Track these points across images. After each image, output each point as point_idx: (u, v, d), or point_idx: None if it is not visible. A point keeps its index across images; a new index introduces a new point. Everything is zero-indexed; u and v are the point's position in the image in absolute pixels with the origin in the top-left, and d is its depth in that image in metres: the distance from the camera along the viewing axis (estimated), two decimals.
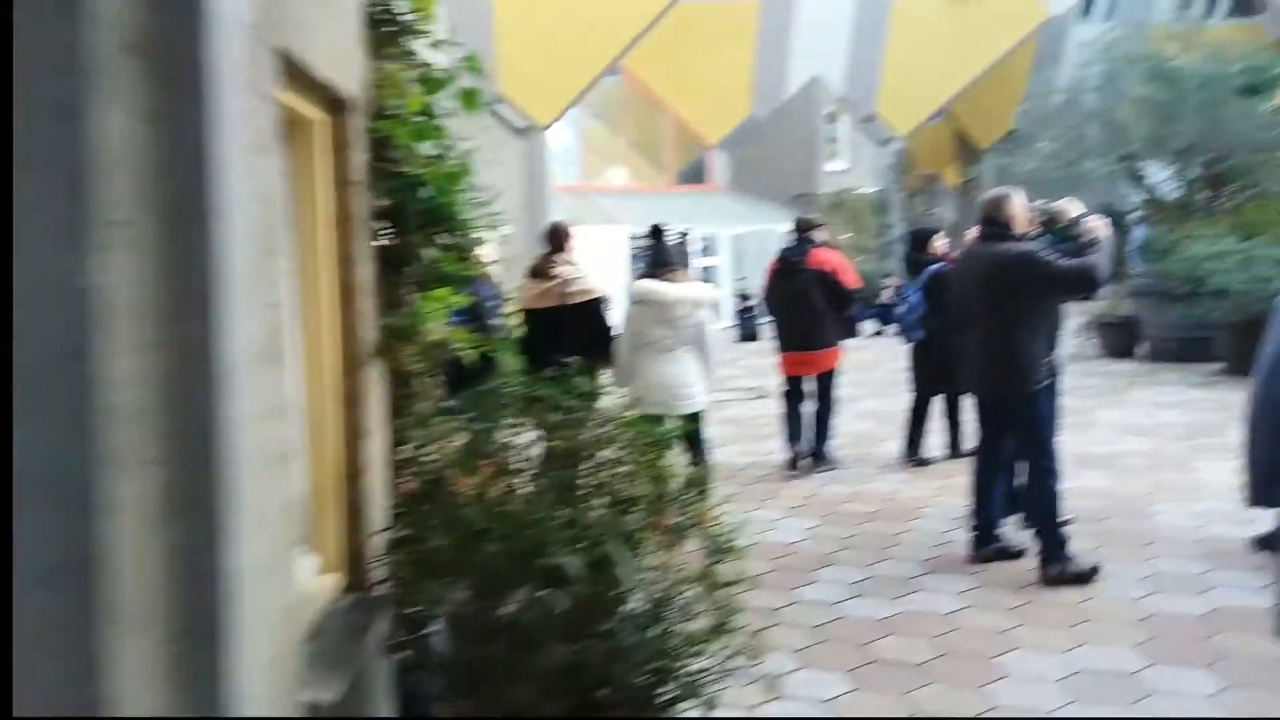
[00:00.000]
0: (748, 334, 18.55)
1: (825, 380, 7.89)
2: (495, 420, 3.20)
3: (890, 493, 7.33)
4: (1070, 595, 5.13)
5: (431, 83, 3.54)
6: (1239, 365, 9.76)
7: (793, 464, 7.91)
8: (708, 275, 21.43)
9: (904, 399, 8.40)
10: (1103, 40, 18.67)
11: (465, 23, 18.22)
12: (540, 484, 3.06)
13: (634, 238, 18.20)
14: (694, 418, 6.23)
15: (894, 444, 8.44)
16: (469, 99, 3.71)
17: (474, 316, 4.93)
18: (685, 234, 20.50)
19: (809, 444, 7.95)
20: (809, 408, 8.01)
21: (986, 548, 5.64)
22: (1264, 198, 13.96)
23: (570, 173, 22.53)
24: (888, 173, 23.95)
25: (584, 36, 18.10)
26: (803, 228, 8.04)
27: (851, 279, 7.85)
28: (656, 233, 6.49)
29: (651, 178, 23.48)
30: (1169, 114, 14.98)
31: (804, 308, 7.68)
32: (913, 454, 8.08)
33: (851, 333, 8.27)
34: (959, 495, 6.31)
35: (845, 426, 8.75)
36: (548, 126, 19.14)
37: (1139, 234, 15.55)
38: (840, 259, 7.92)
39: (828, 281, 7.64)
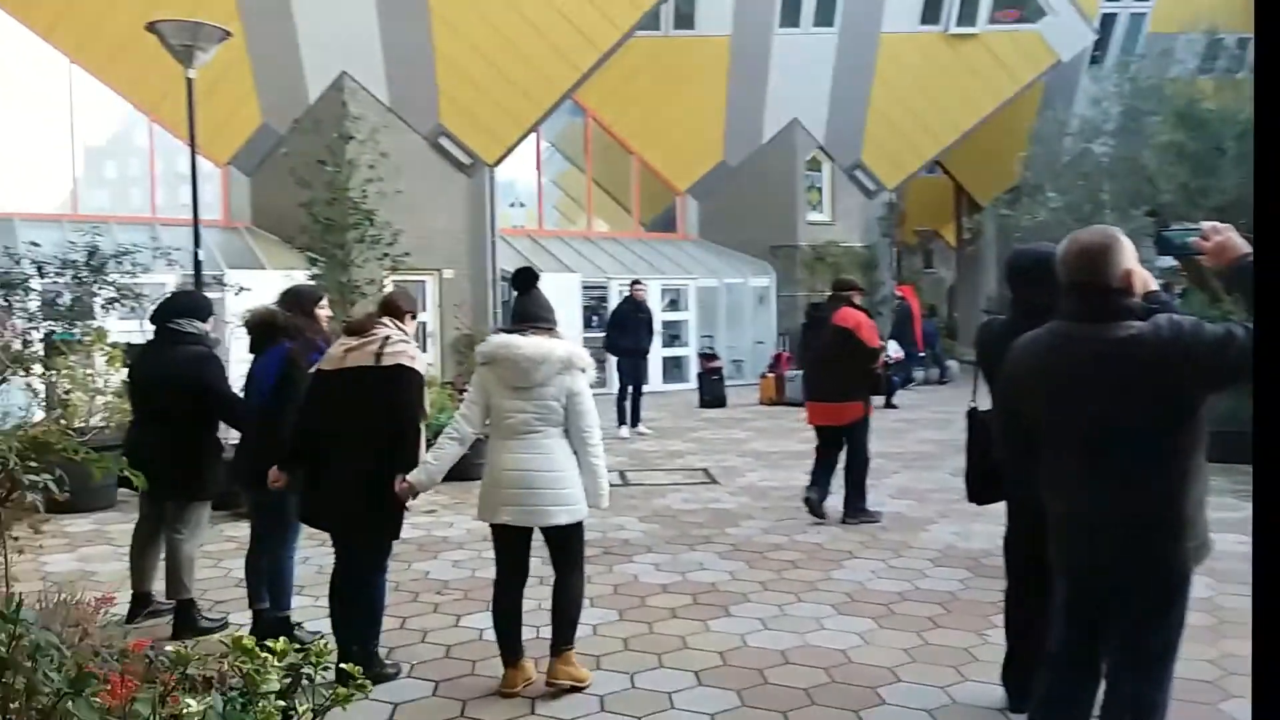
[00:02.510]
0: (713, 398, 16.59)
1: (851, 433, 7.99)
2: None
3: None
4: None
5: None
6: None
7: (813, 509, 7.95)
8: (675, 331, 19.61)
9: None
10: (1120, 76, 16.68)
11: (404, 52, 16.82)
12: None
13: (504, 279, 16.37)
14: (564, 533, 4.45)
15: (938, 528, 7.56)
16: None
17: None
18: (602, 290, 18.65)
19: (820, 492, 8.00)
20: (840, 459, 8.09)
21: None
22: None
23: (528, 215, 20.84)
24: (876, 226, 22.17)
25: (532, 69, 16.53)
26: (840, 287, 8.36)
27: (873, 337, 8.06)
28: (525, 278, 4.68)
29: (619, 224, 21.74)
30: (1204, 165, 13.15)
31: (826, 361, 8.07)
32: None
33: (878, 390, 8.65)
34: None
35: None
36: (495, 164, 17.45)
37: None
38: (865, 318, 8.08)
39: (850, 337, 7.87)
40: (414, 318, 4.89)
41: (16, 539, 3.91)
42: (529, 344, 4.35)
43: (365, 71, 15.95)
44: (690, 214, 21.98)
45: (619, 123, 20.93)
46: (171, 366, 5.33)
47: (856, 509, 7.88)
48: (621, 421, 13.15)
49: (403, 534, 4.71)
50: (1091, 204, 20.81)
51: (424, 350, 13.71)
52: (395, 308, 4.76)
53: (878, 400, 15.88)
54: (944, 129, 21.77)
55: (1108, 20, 22.46)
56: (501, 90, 16.67)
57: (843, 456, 8.04)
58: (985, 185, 25.74)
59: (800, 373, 16.19)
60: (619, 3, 16.32)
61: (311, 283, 5.66)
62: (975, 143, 22.79)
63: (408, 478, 4.40)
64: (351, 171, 12.23)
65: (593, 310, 18.45)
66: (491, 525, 4.49)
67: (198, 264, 9.42)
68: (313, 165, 12.42)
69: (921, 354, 20.08)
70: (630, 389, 13.36)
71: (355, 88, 15.91)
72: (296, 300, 5.34)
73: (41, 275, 9.34)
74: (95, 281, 9.57)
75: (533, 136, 19.63)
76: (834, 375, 7.91)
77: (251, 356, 5.18)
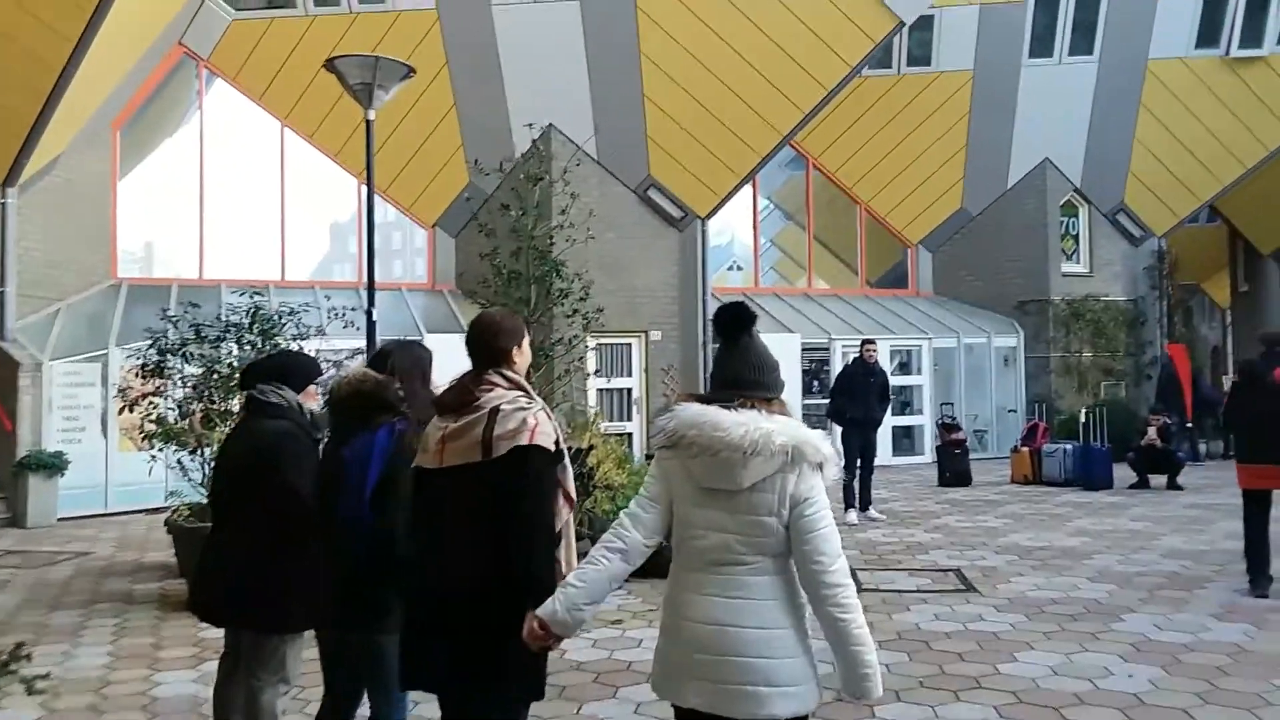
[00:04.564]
0: (955, 475, 14.36)
1: None
2: None
3: None
4: None
5: None
6: None
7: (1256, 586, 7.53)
8: (906, 398, 17.51)
9: None
10: None
11: (614, 104, 15.88)
12: None
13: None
14: None
15: None
16: None
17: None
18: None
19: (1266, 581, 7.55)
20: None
21: None
22: None
23: (744, 278, 19.36)
24: (1143, 278, 19.32)
25: (748, 113, 15.16)
26: (1272, 342, 8.07)
27: None
28: (734, 320, 3.01)
29: (842, 281, 19.92)
30: None
31: (1271, 420, 7.56)
32: None
33: None
34: None
35: None
36: (708, 216, 16.15)
37: None
38: None
39: None
40: (520, 350, 3.20)
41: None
42: (735, 422, 2.74)
43: (573, 124, 15.06)
44: (924, 268, 19.87)
45: (844, 170, 19.22)
46: (245, 447, 4.06)
47: None
48: (849, 505, 11.32)
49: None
50: None
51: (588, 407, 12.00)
52: (486, 345, 3.15)
53: (1158, 480, 13.49)
54: (1224, 167, 18.77)
55: None
56: (716, 138, 15.40)
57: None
58: (1267, 231, 22.27)
59: (1069, 445, 14.19)
60: (845, 37, 14.76)
61: (423, 344, 4.13)
62: (1257, 183, 19.60)
63: (537, 612, 2.85)
64: (537, 218, 11.10)
65: (813, 374, 16.68)
66: (673, 706, 2.91)
67: (370, 324, 8.50)
68: (500, 214, 11.45)
69: (1188, 424, 17.00)
70: (859, 465, 11.48)
71: (563, 140, 15.06)
72: (410, 363, 3.82)
73: (200, 339, 8.61)
74: (263, 346, 8.77)
75: (749, 191, 18.27)
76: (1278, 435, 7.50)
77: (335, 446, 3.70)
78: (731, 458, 2.72)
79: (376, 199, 8.02)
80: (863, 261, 19.87)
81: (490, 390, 3.09)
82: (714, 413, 2.78)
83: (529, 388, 3.15)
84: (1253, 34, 17.83)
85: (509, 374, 3.13)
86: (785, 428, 2.76)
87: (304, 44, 14.75)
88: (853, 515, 11.21)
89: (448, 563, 3.03)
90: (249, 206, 15.91)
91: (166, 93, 15.94)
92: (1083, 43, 17.82)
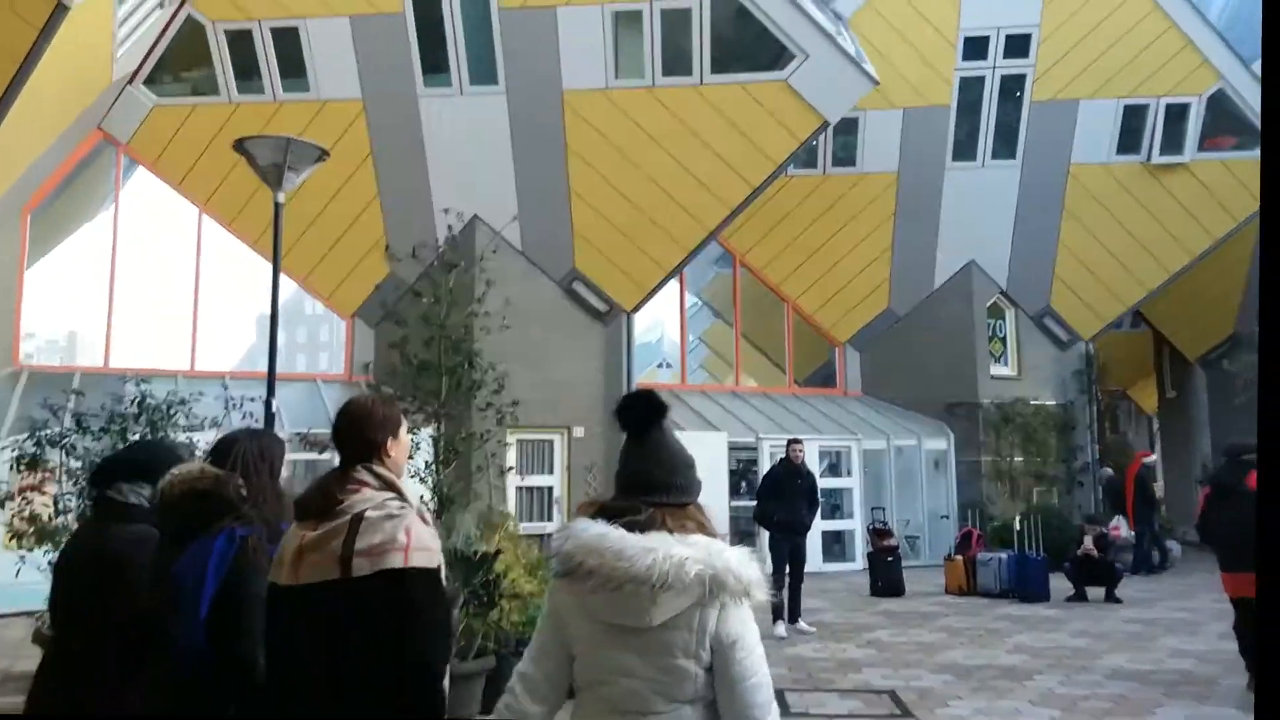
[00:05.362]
0: (888, 585, 13.83)
1: None
2: None
3: None
4: None
5: None
6: None
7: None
8: (836, 501, 17.17)
9: None
10: None
11: (540, 197, 15.77)
12: None
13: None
14: None
15: None
16: None
17: None
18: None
19: None
20: None
21: None
22: None
23: (673, 376, 19.13)
24: (1071, 382, 19.37)
25: (676, 208, 15.11)
26: (1237, 453, 8.31)
27: None
28: (641, 411, 2.73)
29: (770, 379, 19.74)
30: None
31: (1245, 529, 7.48)
32: None
33: None
34: None
35: None
36: (634, 310, 15.94)
37: None
38: None
39: None
40: (396, 442, 2.77)
41: None
42: (642, 549, 2.36)
43: (497, 216, 14.88)
44: (852, 368, 19.77)
45: (771, 268, 19.23)
46: (90, 555, 3.41)
47: None
48: (777, 616, 10.61)
49: None
50: None
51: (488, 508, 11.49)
52: (356, 436, 2.71)
53: (1096, 593, 13.12)
54: (1149, 271, 19.05)
55: None
56: (642, 232, 15.30)
57: None
58: (1194, 337, 22.59)
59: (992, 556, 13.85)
60: (771, 135, 14.85)
61: (275, 433, 3.64)
62: (1182, 288, 19.93)
63: None
64: (451, 305, 10.74)
65: (741, 474, 16.30)
66: None
67: (269, 416, 7.96)
68: (413, 302, 11.10)
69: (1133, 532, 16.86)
70: (788, 572, 10.88)
71: (487, 232, 14.85)
72: (257, 454, 3.20)
73: (83, 430, 8.06)
74: (151, 438, 8.23)
75: (676, 288, 18.17)
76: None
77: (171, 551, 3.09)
78: (638, 591, 2.32)
79: (297, 289, 7.81)
80: (790, 360, 19.74)
81: (357, 491, 2.63)
82: (616, 537, 2.38)
83: (403, 489, 2.72)
84: (1173, 141, 18.29)
85: (381, 471, 2.69)
86: (702, 553, 2.36)
87: (226, 131, 14.45)
88: (781, 628, 10.58)
89: (304, 705, 2.55)
90: (162, 294, 15.44)
91: (83, 178, 15.57)
92: (1005, 147, 18.17)
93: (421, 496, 9.74)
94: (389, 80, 14.69)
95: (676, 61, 14.72)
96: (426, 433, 10.23)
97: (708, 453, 15.79)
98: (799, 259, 18.84)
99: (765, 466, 14.73)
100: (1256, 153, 18.12)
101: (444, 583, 2.69)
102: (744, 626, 2.40)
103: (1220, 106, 17.98)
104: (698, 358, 19.79)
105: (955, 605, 12.96)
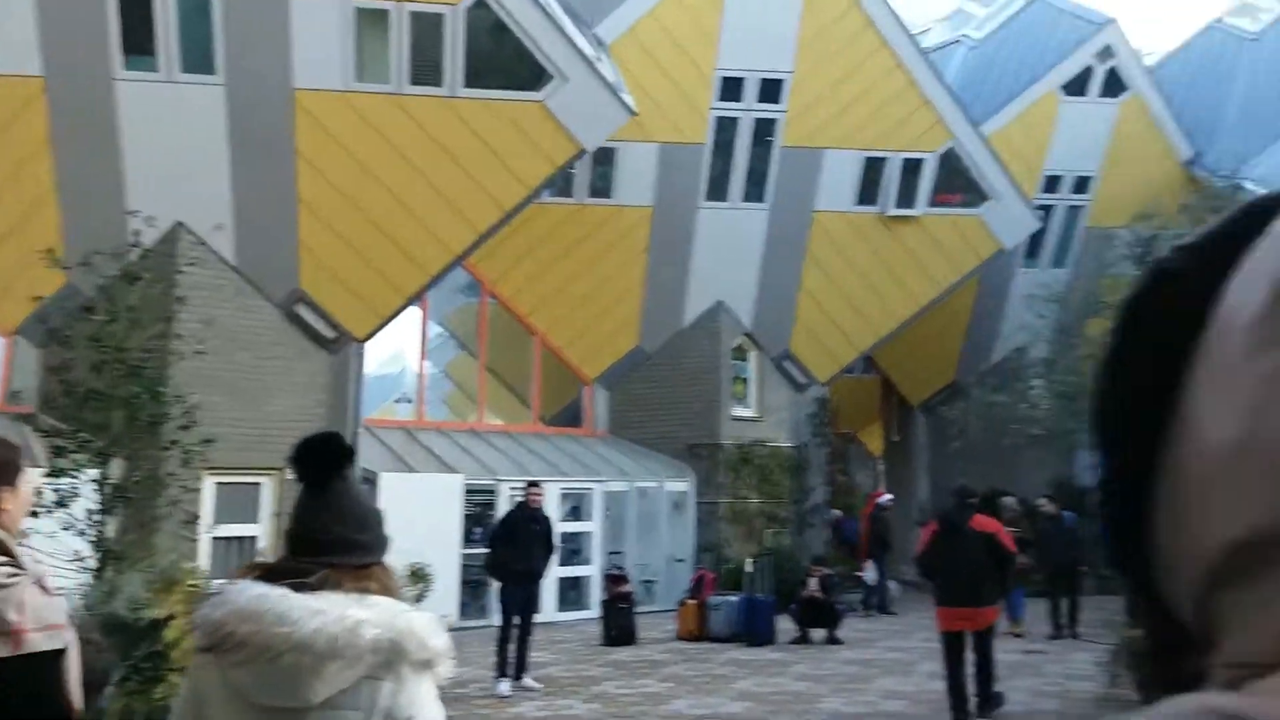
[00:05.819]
0: (620, 633, 13.29)
1: (985, 636, 8.57)
2: None
3: None
4: None
5: None
6: None
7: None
8: (576, 545, 16.32)
9: None
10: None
11: (260, 205, 13.91)
12: None
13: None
14: None
15: None
16: None
17: None
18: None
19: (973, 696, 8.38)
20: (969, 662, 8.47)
21: None
22: None
23: (412, 411, 17.68)
24: (807, 424, 19.62)
25: (420, 228, 13.79)
26: (967, 494, 8.92)
27: (1010, 542, 8.86)
28: (317, 458, 2.31)
29: (515, 417, 18.71)
30: None
31: (968, 566, 8.32)
32: None
33: (1004, 593, 9.67)
34: None
35: None
36: (366, 339, 14.45)
37: None
38: (999, 524, 9.10)
39: (991, 543, 8.50)
40: (12, 493, 2.53)
41: None
42: (309, 611, 2.04)
43: (208, 223, 12.98)
44: (599, 406, 19.11)
45: (520, 298, 18.24)
46: None
47: (997, 699, 8.75)
48: (502, 673, 10.09)
49: None
50: (1027, 404, 19.03)
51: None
52: None
53: (818, 634, 13.28)
54: (881, 318, 19.66)
55: (1043, 212, 21.01)
56: (381, 253, 13.87)
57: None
58: (917, 384, 23.73)
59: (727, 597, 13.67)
60: (526, 158, 13.92)
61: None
62: (909, 337, 20.78)
63: None
64: (131, 325, 9.03)
65: (476, 519, 15.10)
66: None
67: None
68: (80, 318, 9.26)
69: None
70: (517, 624, 10.33)
71: (193, 242, 12.93)
72: None
73: None
74: None
75: (419, 316, 16.81)
76: (976, 581, 8.36)
77: None
78: (299, 662, 2.02)
79: None
80: (537, 397, 18.81)
81: None
82: (278, 598, 2.06)
83: (17, 553, 2.48)
84: (907, 194, 18.97)
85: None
86: (381, 615, 2.08)
87: None
88: (505, 686, 10.04)
89: None
90: None
91: None
92: (755, 190, 18.19)
93: (78, 552, 8.17)
94: (80, 57, 12.51)
95: (426, 70, 13.51)
96: (90, 475, 8.60)
97: (441, 496, 14.54)
98: (550, 290, 17.97)
99: (503, 510, 13.68)
100: (980, 210, 19.30)
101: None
102: (425, 702, 2.13)
103: (950, 164, 18.86)
104: (440, 392, 18.41)
105: (685, 651, 13.01)
